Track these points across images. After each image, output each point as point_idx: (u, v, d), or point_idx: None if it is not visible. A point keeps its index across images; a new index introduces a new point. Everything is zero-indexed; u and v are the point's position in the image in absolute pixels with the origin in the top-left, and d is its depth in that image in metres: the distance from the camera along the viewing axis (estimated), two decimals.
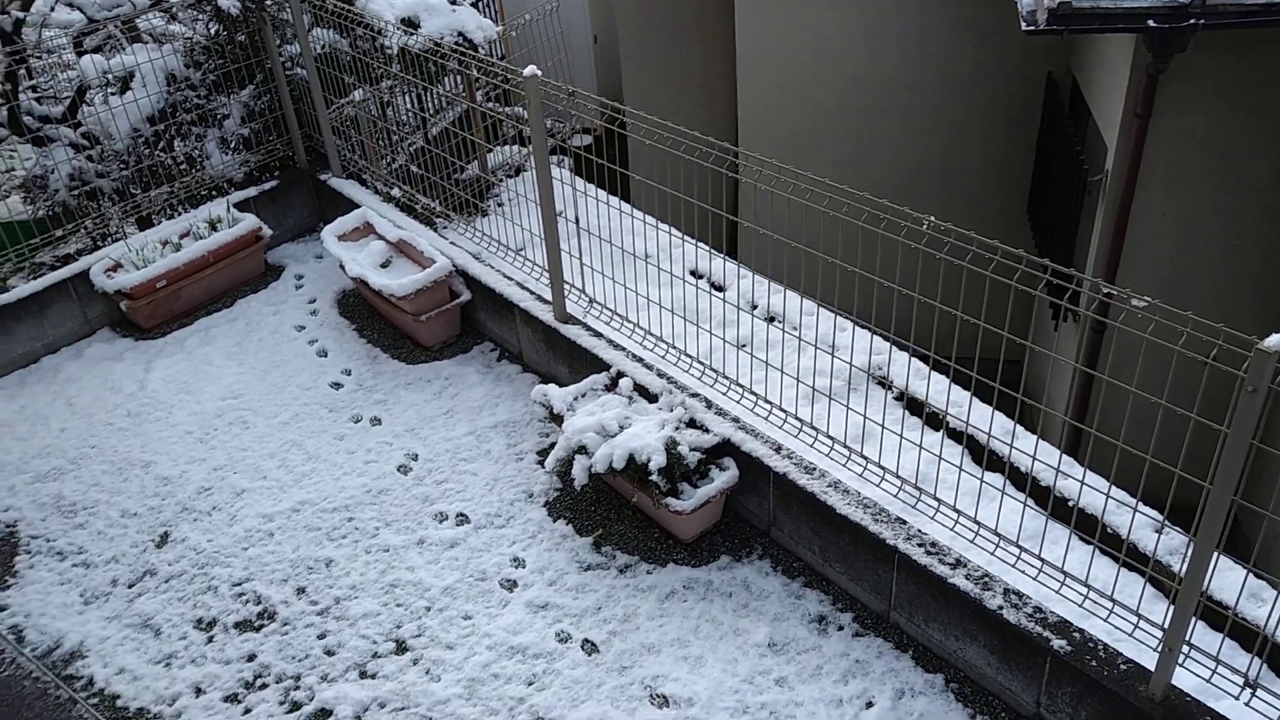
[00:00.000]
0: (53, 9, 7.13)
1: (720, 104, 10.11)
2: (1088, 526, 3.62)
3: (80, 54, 6.90)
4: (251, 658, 3.98)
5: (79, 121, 6.89)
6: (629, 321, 4.88)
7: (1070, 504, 3.69)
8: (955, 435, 4.13)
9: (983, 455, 3.97)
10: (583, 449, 4.29)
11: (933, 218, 3.34)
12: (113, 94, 6.29)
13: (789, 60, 8.65)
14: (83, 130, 6.80)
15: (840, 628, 3.91)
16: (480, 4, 7.78)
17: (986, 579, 3.59)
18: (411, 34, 5.65)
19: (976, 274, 3.24)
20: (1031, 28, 5.64)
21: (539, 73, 4.51)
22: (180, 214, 6.41)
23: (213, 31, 6.42)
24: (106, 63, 6.36)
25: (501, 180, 6.44)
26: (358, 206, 6.17)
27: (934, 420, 4.23)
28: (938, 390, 4.25)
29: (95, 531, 4.59)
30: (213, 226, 6.06)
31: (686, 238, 4.72)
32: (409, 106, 6.36)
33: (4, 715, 3.69)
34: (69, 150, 6.45)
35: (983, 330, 3.37)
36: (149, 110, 6.28)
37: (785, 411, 4.24)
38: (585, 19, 10.37)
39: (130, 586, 4.32)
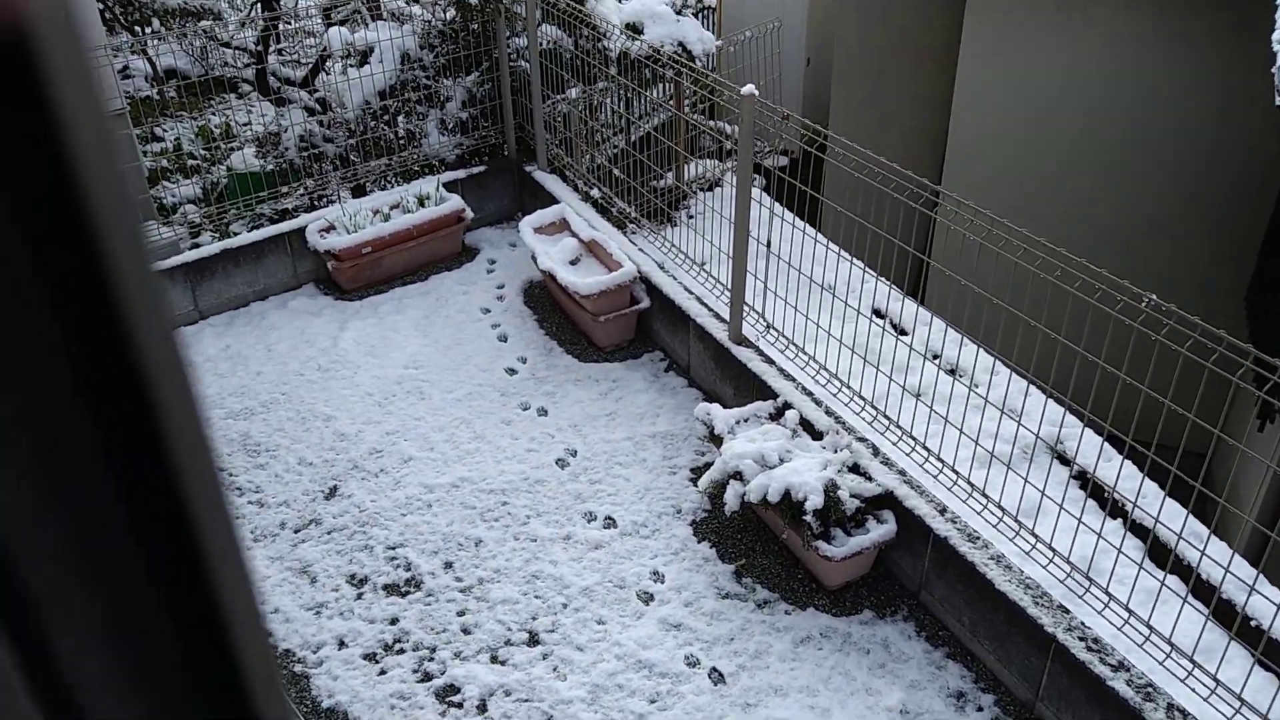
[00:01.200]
0: None
1: (928, 135, 9.84)
2: (1273, 654, 3.30)
3: (328, 25, 7.38)
4: (394, 621, 4.14)
5: (315, 88, 7.37)
6: (804, 353, 4.80)
7: (1254, 624, 3.38)
8: (1138, 529, 3.85)
9: (1167, 556, 3.69)
10: (738, 475, 4.25)
11: (1154, 296, 3.13)
12: (351, 65, 6.69)
13: (1010, 95, 8.32)
14: (318, 96, 7.26)
15: (980, 708, 3.72)
16: (703, 16, 7.85)
17: (1150, 689, 3.33)
18: (634, 39, 5.75)
19: (1189, 360, 3.01)
20: None
21: (756, 92, 4.50)
22: (392, 186, 6.75)
23: (450, 17, 6.73)
24: (350, 35, 6.76)
25: (696, 193, 6.46)
26: (557, 201, 6.33)
27: (1114, 508, 3.96)
28: (1124, 476, 3.98)
29: (273, 474, 4.88)
30: (421, 202, 6.35)
31: (880, 279, 4.59)
32: (615, 108, 6.48)
33: None
34: (303, 113, 6.90)
35: (1190, 424, 3.13)
36: (381, 85, 6.64)
37: (957, 472, 4.07)
38: (800, 40, 10.29)
39: (296, 532, 4.58)
